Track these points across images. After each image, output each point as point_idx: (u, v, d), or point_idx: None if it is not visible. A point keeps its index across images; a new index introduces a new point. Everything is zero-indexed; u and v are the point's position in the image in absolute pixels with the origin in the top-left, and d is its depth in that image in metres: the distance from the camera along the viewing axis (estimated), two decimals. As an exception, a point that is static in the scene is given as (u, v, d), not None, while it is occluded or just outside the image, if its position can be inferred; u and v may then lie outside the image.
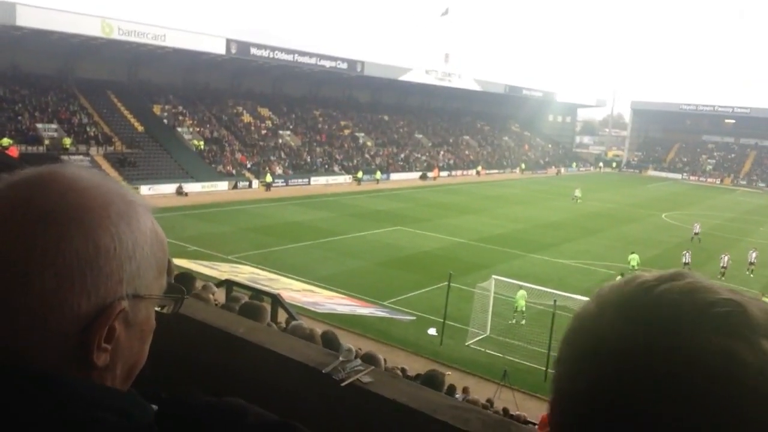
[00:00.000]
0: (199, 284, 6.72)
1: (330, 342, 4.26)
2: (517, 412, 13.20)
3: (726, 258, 30.84)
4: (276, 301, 9.85)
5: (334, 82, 72.11)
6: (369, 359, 4.77)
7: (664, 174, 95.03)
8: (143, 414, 0.81)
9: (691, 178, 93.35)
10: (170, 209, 35.74)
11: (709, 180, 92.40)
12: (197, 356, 1.39)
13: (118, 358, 0.81)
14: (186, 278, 4.74)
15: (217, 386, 1.25)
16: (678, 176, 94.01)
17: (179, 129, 54.43)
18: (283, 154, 58.91)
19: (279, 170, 55.10)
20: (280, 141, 61.40)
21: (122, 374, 0.83)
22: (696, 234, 40.16)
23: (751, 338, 0.61)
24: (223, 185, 48.66)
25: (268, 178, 50.62)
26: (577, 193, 56.81)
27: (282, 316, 9.88)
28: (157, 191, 42.34)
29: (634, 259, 29.90)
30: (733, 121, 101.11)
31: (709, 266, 31.78)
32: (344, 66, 65.69)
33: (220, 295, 8.10)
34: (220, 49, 53.79)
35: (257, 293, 10.03)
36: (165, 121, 54.75)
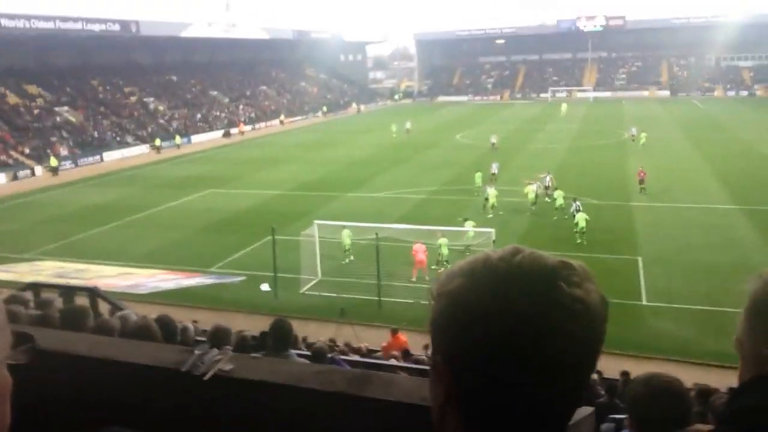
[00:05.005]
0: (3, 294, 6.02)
1: (168, 326, 4.12)
2: (359, 344, 13.88)
3: (548, 178, 30.80)
4: (94, 294, 9.15)
5: (109, 46, 66.00)
6: (217, 334, 4.71)
7: (452, 98, 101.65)
8: None
9: (476, 98, 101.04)
10: (-62, 216, 30.96)
11: (491, 97, 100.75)
12: (44, 391, 1.30)
13: None
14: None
15: (80, 419, 1.20)
16: (464, 98, 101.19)
17: (-72, 122, 46.69)
18: (65, 133, 53.28)
19: (64, 151, 49.88)
20: (58, 119, 55.36)
21: None
22: (493, 144, 45.68)
23: (582, 284, 0.86)
24: (-1, 178, 43.07)
25: (53, 162, 45.64)
26: (408, 125, 58.66)
27: (105, 307, 9.22)
28: None
29: (478, 178, 32.21)
30: (503, 41, 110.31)
31: (507, 172, 34.97)
32: (117, 27, 60.29)
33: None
34: (-40, 24, 46.39)
35: (70, 291, 9.22)
36: None
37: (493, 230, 21.18)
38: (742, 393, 1.02)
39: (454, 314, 0.86)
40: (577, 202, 25.43)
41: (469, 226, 22.61)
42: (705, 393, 7.70)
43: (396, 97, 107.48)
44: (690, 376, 10.16)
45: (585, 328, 0.84)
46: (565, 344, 0.82)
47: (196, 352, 1.42)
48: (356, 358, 11.12)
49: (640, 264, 21.11)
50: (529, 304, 0.82)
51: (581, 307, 0.83)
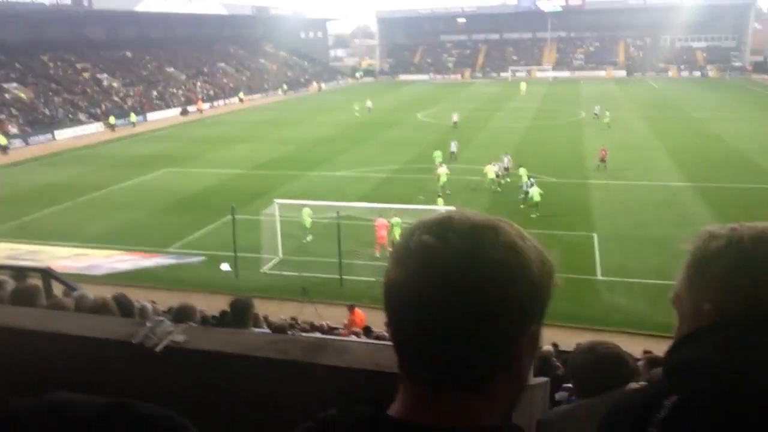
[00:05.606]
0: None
1: (124, 306, 4.06)
2: (321, 323, 13.89)
3: (507, 159, 30.52)
4: (47, 275, 8.90)
5: (60, 20, 63.62)
6: (183, 312, 4.66)
7: (413, 77, 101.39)
8: None
9: (437, 77, 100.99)
10: None
11: (452, 76, 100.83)
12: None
13: None
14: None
15: (29, 392, 1.17)
16: (425, 77, 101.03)
17: None
18: (14, 111, 51.34)
19: (14, 129, 48.13)
20: (7, 96, 53.29)
21: None
22: (455, 123, 45.64)
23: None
24: (-56, 157, 41.33)
25: (2, 140, 44.03)
26: (369, 104, 58.19)
27: (59, 290, 8.99)
28: None
29: (438, 156, 32.23)
30: (464, 19, 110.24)
31: (468, 151, 35.26)
32: (67, 1, 58.09)
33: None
34: None
35: (21, 271, 8.96)
36: None
37: (454, 209, 21.28)
38: (679, 347, 1.03)
39: (395, 275, 0.89)
40: (532, 179, 25.94)
41: (440, 205, 22.72)
42: (655, 362, 7.98)
43: (357, 75, 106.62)
44: (642, 347, 10.52)
45: (510, 287, 0.85)
46: (493, 303, 0.84)
47: (148, 324, 1.41)
48: (317, 335, 11.14)
49: (596, 240, 21.61)
50: (456, 258, 0.86)
51: (508, 265, 0.86)
